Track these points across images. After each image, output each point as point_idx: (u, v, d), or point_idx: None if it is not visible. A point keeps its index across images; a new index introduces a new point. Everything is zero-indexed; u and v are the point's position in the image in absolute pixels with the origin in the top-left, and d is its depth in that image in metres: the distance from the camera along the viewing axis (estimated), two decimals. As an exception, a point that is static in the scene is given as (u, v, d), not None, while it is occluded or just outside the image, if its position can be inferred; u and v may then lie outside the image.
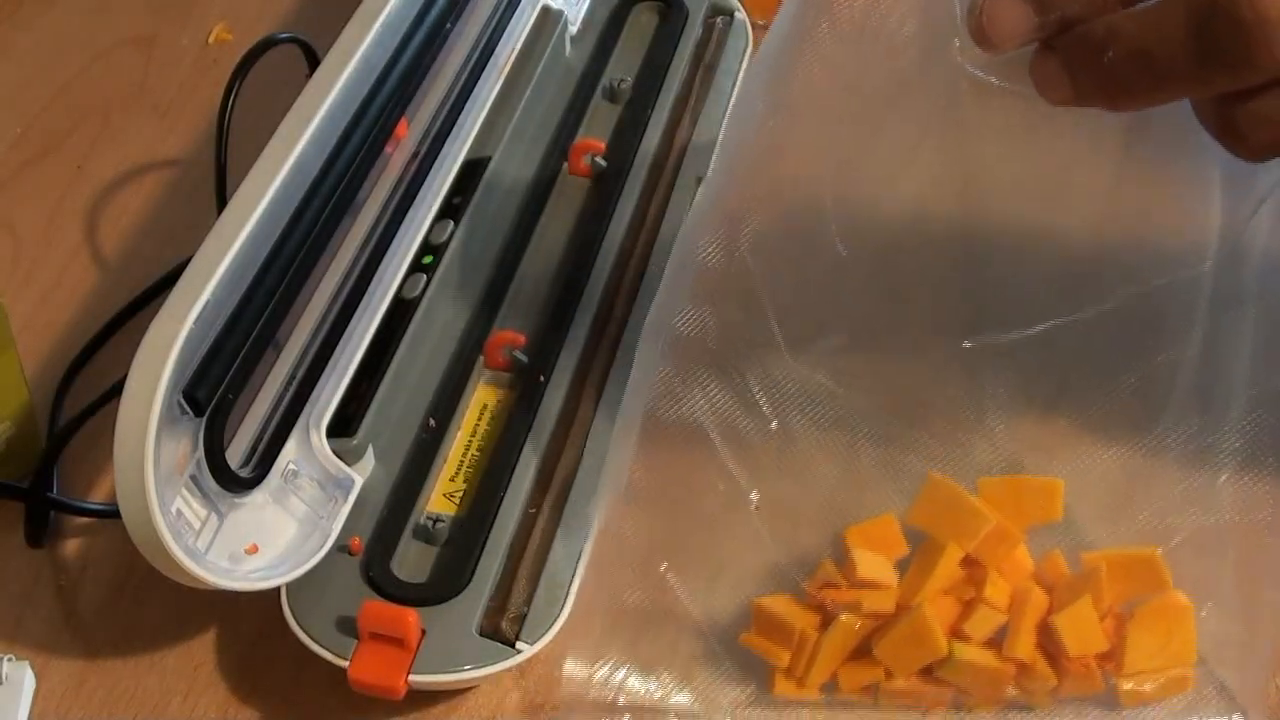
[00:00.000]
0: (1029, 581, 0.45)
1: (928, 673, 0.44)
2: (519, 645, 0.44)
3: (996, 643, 0.44)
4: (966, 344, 0.47)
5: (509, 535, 0.47)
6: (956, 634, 0.44)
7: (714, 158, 0.52)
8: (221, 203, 0.54)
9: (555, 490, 0.48)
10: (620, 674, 0.45)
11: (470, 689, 0.46)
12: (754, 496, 0.46)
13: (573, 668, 0.45)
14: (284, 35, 0.54)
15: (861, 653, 0.44)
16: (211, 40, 0.70)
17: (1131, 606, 0.44)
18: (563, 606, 0.45)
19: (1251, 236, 0.47)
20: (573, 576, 0.46)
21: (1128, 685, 0.44)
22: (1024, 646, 0.43)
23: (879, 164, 0.46)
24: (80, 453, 0.52)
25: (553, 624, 0.45)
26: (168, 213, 0.62)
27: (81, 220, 0.61)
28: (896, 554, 0.45)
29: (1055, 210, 0.47)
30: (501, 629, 0.45)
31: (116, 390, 0.45)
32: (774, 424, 0.46)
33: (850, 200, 0.46)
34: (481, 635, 0.44)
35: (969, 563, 0.44)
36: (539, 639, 0.44)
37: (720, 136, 0.57)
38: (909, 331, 0.48)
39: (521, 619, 0.45)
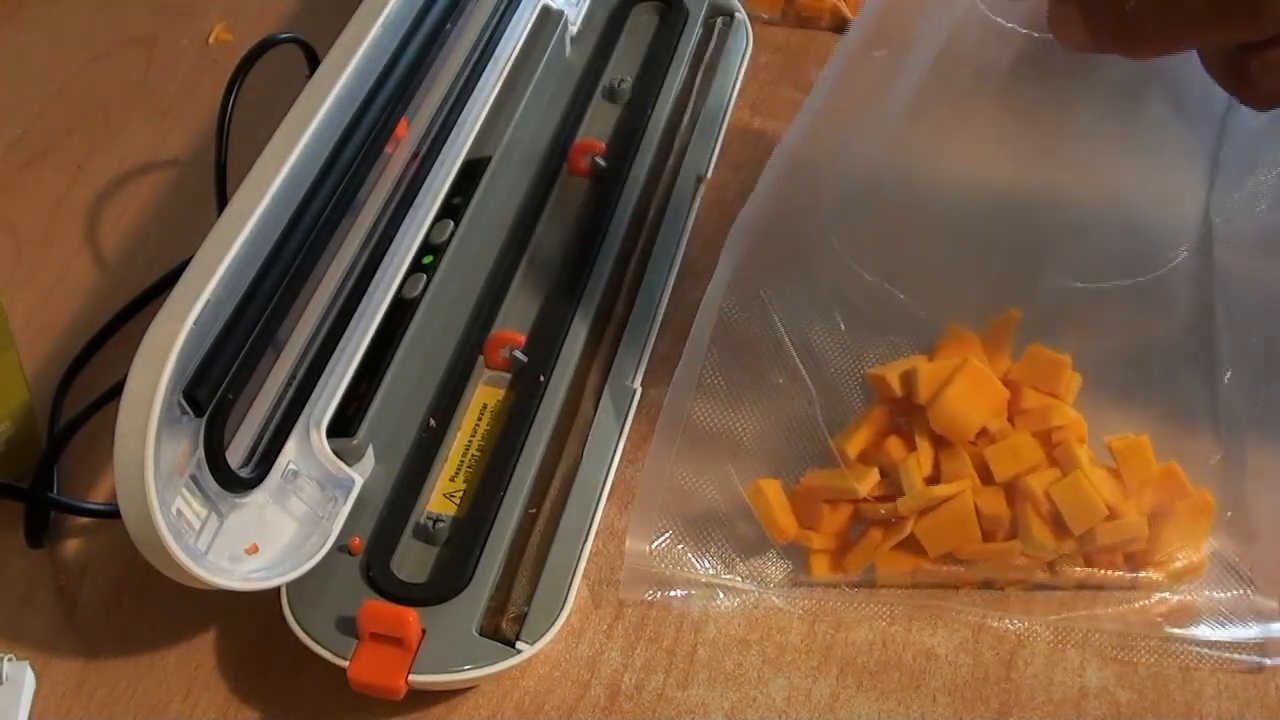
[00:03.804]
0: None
1: (956, 559, 0.47)
2: (519, 645, 0.44)
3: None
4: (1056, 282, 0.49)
5: (509, 535, 0.47)
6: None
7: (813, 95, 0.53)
8: (221, 203, 0.54)
9: (555, 490, 0.48)
10: (676, 553, 0.48)
11: (470, 689, 0.46)
12: (814, 394, 0.48)
13: (634, 544, 0.47)
14: (284, 35, 0.54)
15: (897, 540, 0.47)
16: (211, 40, 0.70)
17: (1159, 514, 0.47)
18: (563, 606, 0.45)
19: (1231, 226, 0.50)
20: (573, 576, 0.46)
21: (1146, 572, 0.46)
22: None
23: (931, 123, 0.49)
24: (80, 453, 0.52)
25: (553, 624, 0.45)
26: (168, 213, 0.61)
27: (81, 220, 0.61)
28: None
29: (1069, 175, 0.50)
30: (501, 629, 0.45)
31: (116, 390, 0.45)
32: (843, 326, 0.49)
33: (914, 151, 0.50)
34: (481, 635, 0.44)
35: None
36: (539, 639, 0.44)
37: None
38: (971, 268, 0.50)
39: (521, 619, 0.45)
